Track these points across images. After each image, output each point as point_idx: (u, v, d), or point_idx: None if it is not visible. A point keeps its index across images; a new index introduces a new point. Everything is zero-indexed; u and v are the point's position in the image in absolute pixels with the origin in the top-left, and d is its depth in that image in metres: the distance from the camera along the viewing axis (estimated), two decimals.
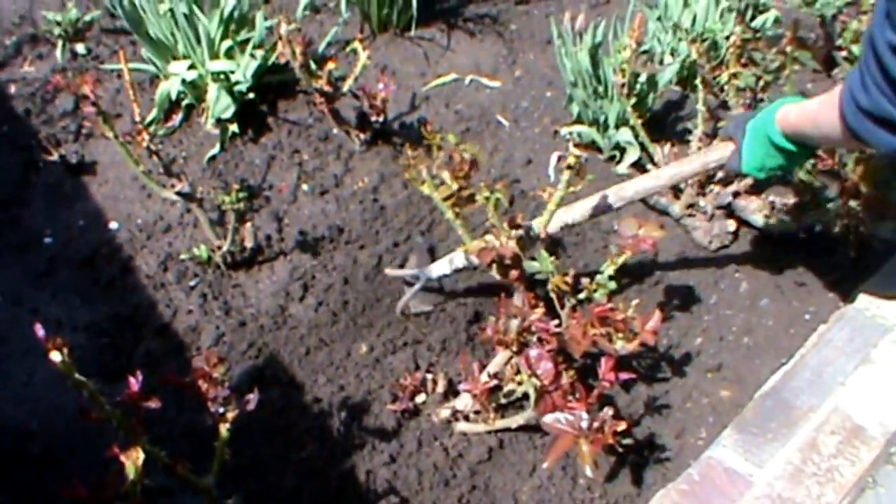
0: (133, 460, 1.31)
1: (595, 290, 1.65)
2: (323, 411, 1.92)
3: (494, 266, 1.67)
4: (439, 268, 2.01)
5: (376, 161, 2.47)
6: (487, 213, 1.70)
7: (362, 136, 2.48)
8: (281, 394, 1.95)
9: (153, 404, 1.35)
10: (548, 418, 1.50)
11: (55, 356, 1.21)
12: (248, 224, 2.21)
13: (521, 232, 1.69)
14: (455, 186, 1.68)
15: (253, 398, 1.50)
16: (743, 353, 2.03)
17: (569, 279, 1.63)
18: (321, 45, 2.74)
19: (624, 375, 1.57)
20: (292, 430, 1.89)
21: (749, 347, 2.04)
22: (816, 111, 1.60)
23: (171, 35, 2.54)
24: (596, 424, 1.42)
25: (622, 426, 1.44)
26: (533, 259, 1.73)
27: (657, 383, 1.97)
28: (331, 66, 2.32)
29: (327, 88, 2.24)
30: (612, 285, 1.66)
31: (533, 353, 1.51)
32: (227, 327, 2.07)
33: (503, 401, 1.85)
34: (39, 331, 1.23)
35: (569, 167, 1.53)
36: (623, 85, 2.16)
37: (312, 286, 2.17)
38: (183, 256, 2.21)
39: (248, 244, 2.20)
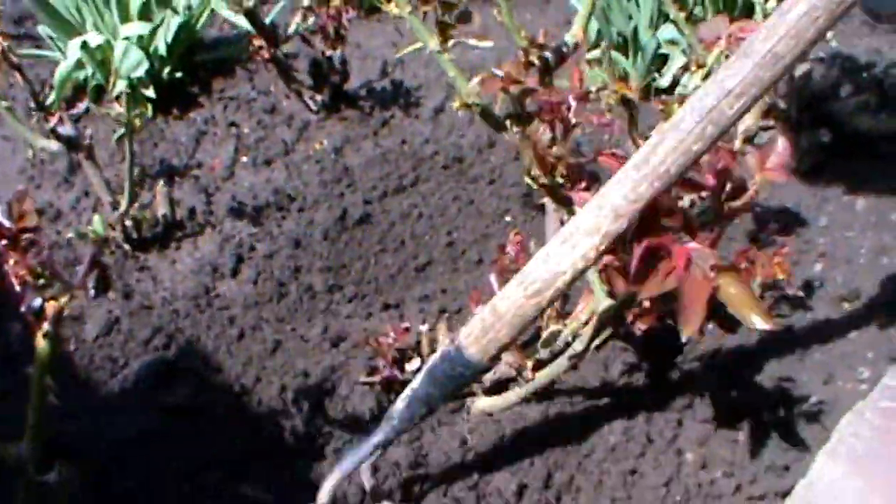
0: None
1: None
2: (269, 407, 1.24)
3: (508, 103, 1.05)
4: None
5: (338, 126, 1.89)
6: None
7: (319, 96, 1.91)
8: (195, 391, 1.28)
9: None
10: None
11: None
12: (161, 183, 1.60)
13: (547, 53, 1.08)
14: None
15: (91, 275, 0.84)
16: (884, 274, 1.38)
17: (633, 85, 1.00)
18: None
19: None
20: (218, 438, 1.20)
21: (892, 267, 1.39)
22: None
23: (77, 10, 2.02)
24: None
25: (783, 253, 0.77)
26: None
27: (775, 318, 1.30)
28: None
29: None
30: None
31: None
32: (122, 311, 1.41)
33: (542, 355, 1.18)
34: None
35: None
36: None
37: (250, 257, 1.53)
38: (69, 235, 1.58)
39: (162, 211, 1.58)
